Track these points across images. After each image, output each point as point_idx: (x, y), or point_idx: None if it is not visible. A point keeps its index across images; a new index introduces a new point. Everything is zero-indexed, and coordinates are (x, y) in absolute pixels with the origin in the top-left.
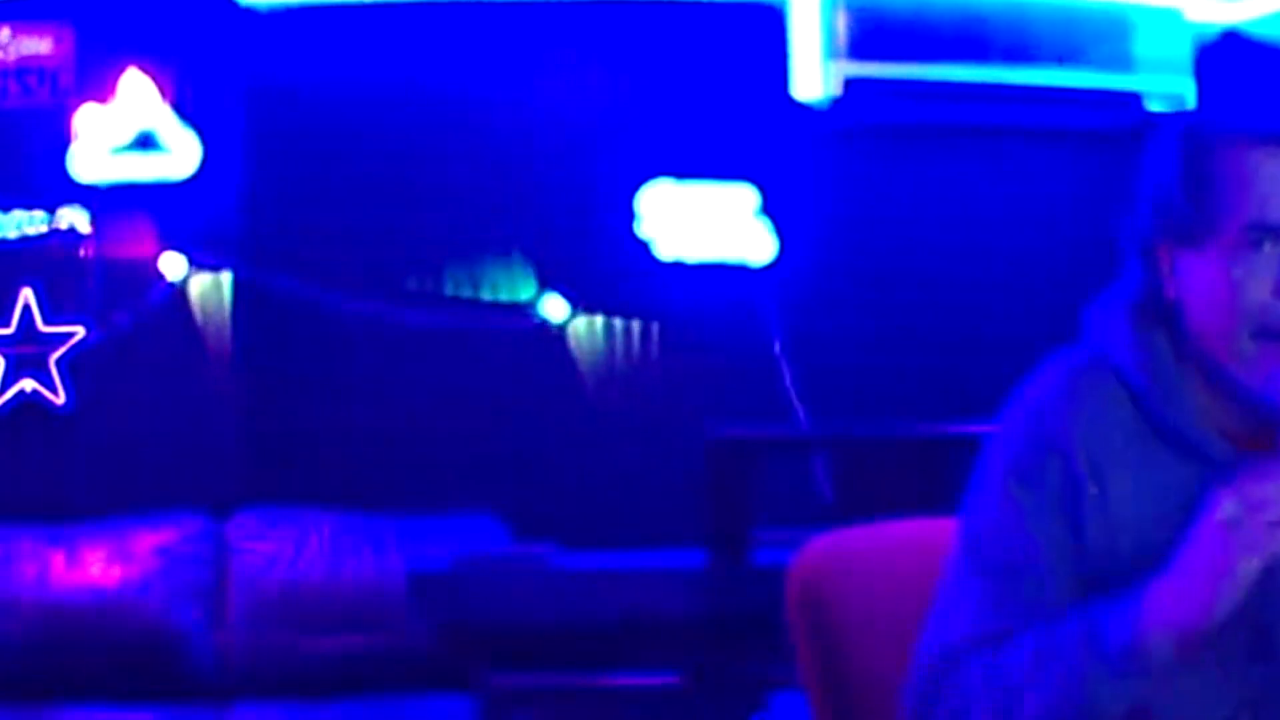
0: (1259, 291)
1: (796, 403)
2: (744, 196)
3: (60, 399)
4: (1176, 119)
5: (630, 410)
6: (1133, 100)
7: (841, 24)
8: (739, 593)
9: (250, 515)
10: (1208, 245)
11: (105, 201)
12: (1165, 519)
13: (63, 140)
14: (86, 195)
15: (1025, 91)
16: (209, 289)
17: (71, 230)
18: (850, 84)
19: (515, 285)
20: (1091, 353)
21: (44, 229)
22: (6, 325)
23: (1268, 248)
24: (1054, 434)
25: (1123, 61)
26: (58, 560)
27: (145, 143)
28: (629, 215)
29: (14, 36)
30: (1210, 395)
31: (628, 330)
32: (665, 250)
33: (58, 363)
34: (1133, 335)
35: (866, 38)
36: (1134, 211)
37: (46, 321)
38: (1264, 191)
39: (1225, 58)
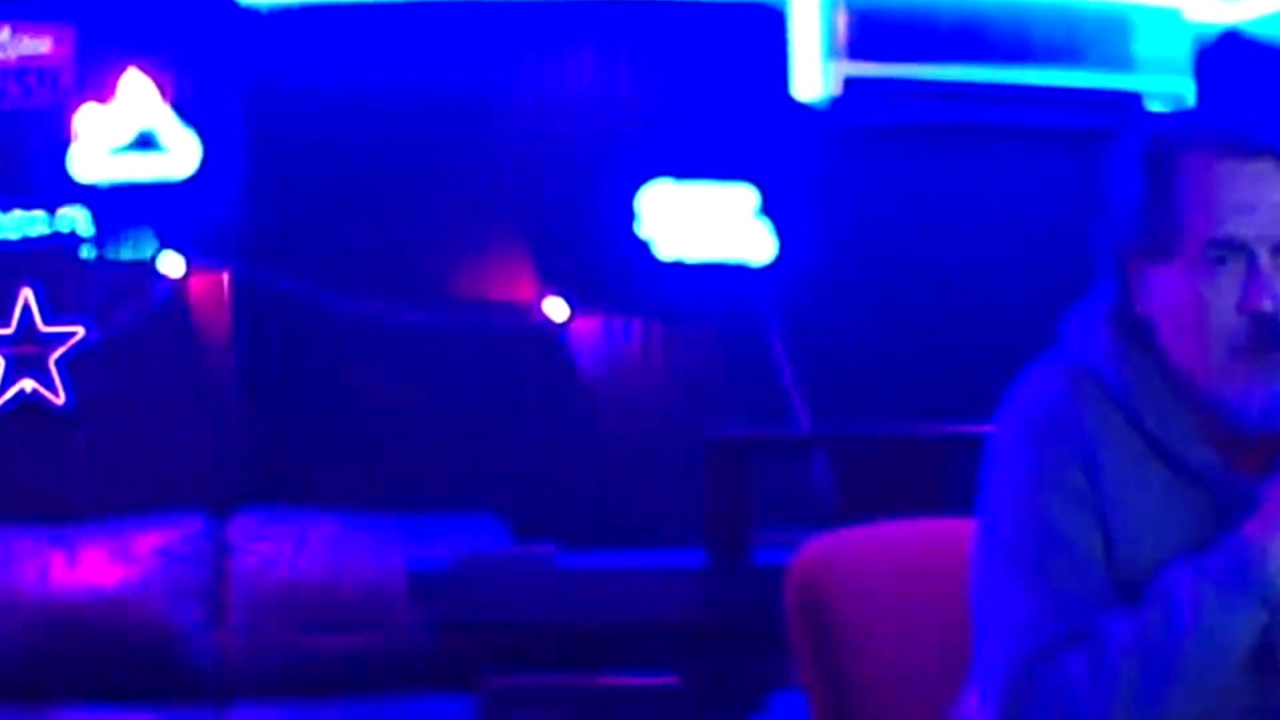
0: (1225, 308)
1: (797, 403)
2: (744, 196)
3: (60, 399)
4: (1139, 129)
5: (630, 410)
6: (1133, 100)
7: (841, 24)
8: (739, 593)
9: (250, 515)
10: (1173, 259)
11: (105, 201)
12: (1157, 529)
13: (63, 140)
14: (86, 195)
15: (1025, 91)
16: (209, 289)
17: (71, 230)
18: (850, 84)
19: (515, 285)
20: (1077, 363)
21: (44, 229)
22: (6, 325)
23: (1231, 263)
24: (1072, 438)
25: (1122, 61)
26: (58, 560)
27: (145, 143)
28: (629, 215)
29: (14, 36)
30: (1190, 409)
31: (628, 330)
32: (665, 250)
33: (58, 363)
34: (1113, 348)
35: (866, 38)
36: (1104, 223)
37: (46, 321)
38: (1226, 205)
39: (1225, 58)
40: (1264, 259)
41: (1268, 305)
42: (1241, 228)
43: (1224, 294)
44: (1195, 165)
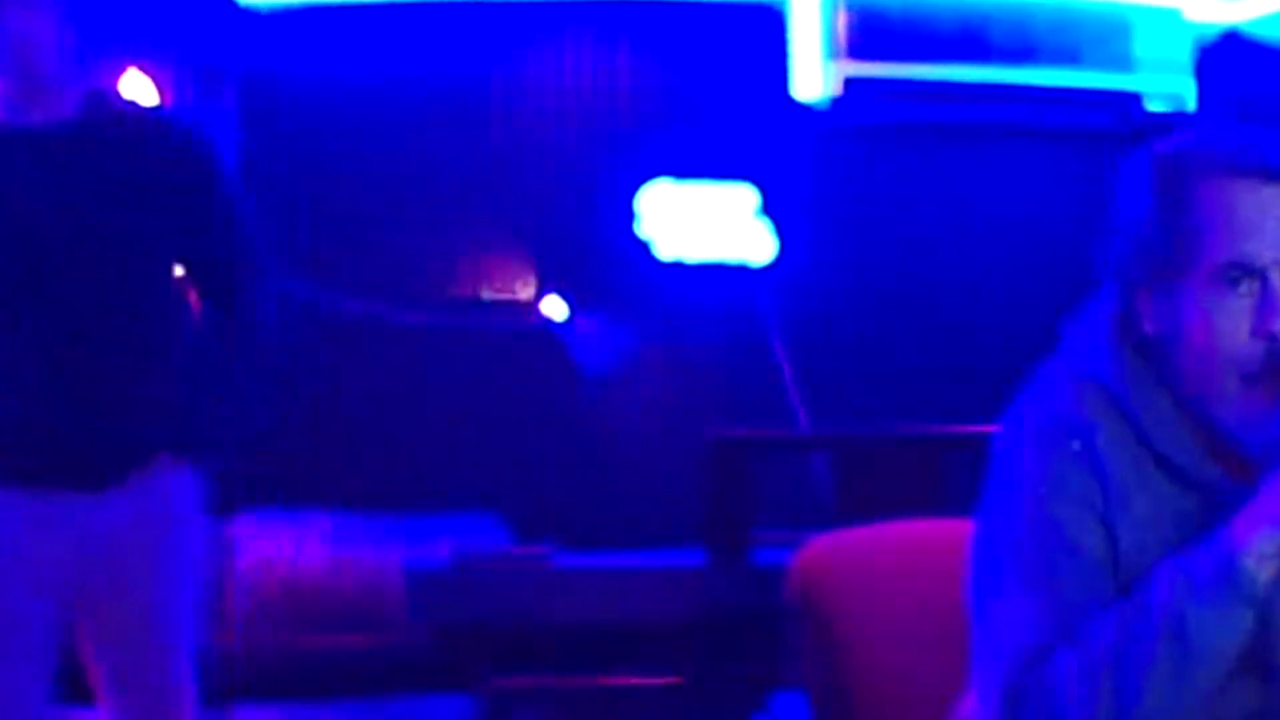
0: (1237, 333)
1: (796, 403)
2: (744, 196)
3: None
4: (1152, 146)
5: (630, 410)
6: (1133, 100)
7: (841, 24)
8: (739, 593)
9: (250, 515)
10: (1183, 281)
11: None
12: (1162, 540)
13: None
14: None
15: (1025, 91)
16: None
17: None
18: (850, 84)
19: (515, 285)
20: (1083, 374)
21: None
22: None
23: (1244, 287)
24: (1081, 446)
25: (1123, 62)
26: None
27: None
28: (629, 215)
29: None
30: (1194, 426)
31: (628, 330)
32: (665, 250)
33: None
34: (1118, 362)
35: (866, 38)
36: (1110, 241)
37: None
38: (1240, 229)
39: (1225, 58)
40: (1277, 282)
41: None
42: (1256, 251)
43: (1237, 317)
44: (1210, 187)
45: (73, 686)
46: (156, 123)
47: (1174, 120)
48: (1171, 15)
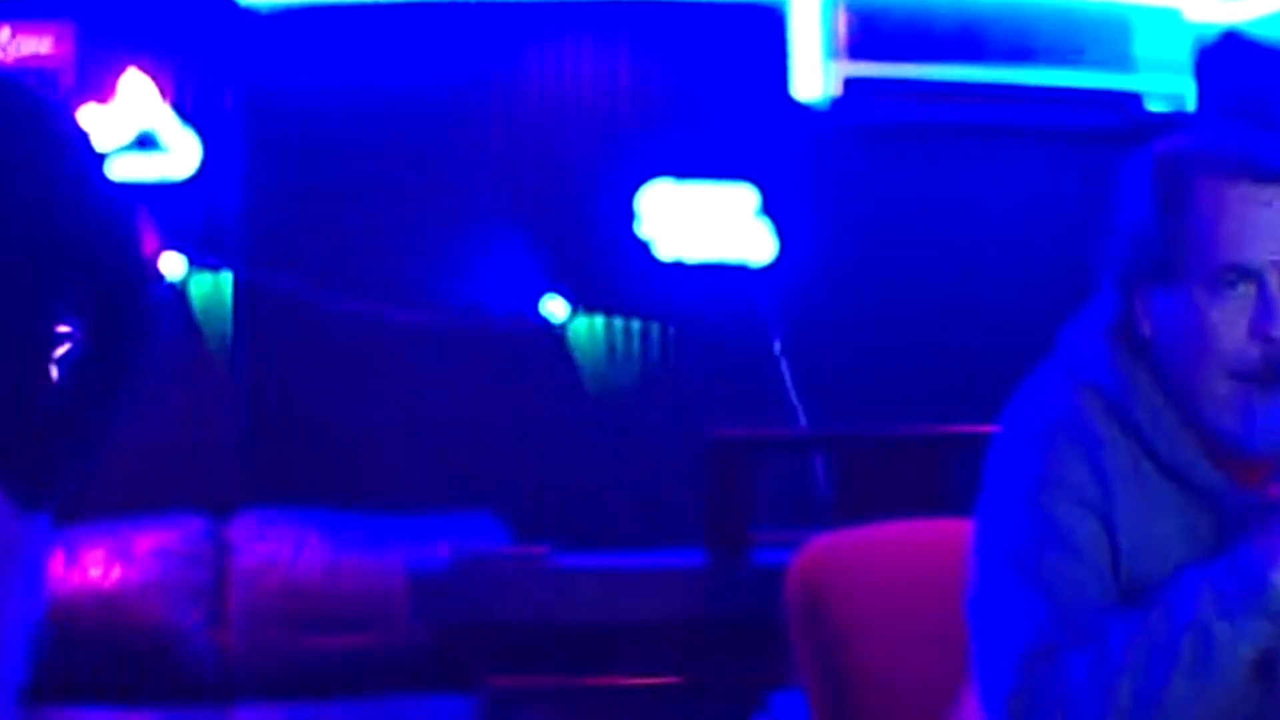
0: (1234, 335)
1: (796, 403)
2: (744, 196)
3: None
4: (1151, 148)
5: (630, 410)
6: (1133, 100)
7: (841, 24)
8: (739, 593)
9: (250, 515)
10: (1181, 282)
11: None
12: (1162, 541)
13: None
14: None
15: (1025, 91)
16: (209, 289)
17: None
18: (850, 84)
19: (515, 285)
20: (1082, 377)
21: None
22: None
23: (1241, 289)
24: (1081, 447)
25: (1122, 61)
26: (57, 560)
27: (145, 143)
28: (629, 215)
29: (14, 36)
30: (1191, 428)
31: (628, 330)
32: (665, 250)
33: (58, 363)
34: (1115, 364)
35: (866, 38)
36: (1109, 242)
37: None
38: (1238, 231)
39: (1225, 58)
40: (1274, 285)
41: (1278, 332)
42: (1254, 254)
43: (1234, 319)
44: (1208, 189)
45: (67, 687)
46: None
47: (1174, 120)
48: (1171, 15)
